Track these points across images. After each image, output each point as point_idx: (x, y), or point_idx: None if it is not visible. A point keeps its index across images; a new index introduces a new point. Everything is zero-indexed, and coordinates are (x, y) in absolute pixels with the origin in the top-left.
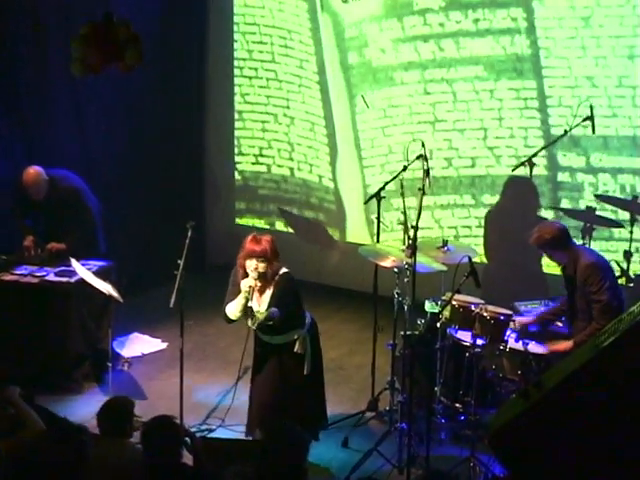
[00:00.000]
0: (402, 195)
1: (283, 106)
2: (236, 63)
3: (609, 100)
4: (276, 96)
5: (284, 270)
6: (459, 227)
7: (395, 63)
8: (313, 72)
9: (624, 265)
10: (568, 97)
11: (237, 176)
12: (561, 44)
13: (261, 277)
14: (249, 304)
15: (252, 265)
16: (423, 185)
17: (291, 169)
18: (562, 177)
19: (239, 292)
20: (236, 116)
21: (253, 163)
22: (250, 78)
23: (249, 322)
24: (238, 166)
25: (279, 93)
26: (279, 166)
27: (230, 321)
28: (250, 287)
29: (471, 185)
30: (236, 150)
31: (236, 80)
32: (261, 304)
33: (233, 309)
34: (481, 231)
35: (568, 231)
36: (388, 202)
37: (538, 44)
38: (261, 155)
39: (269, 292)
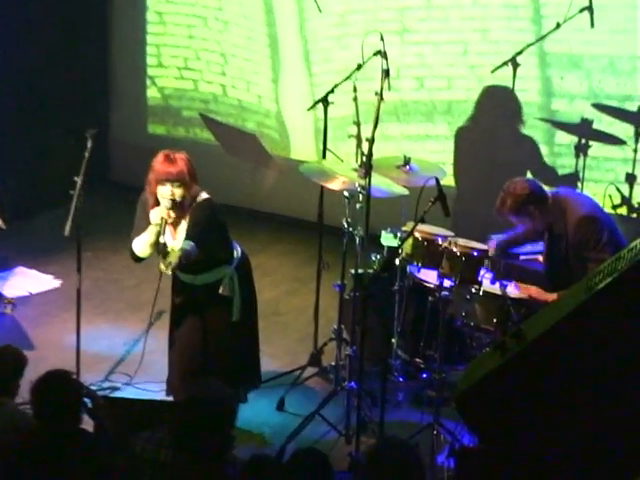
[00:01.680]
0: (355, 100)
1: (215, 7)
2: None
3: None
4: None
5: (204, 196)
6: None
7: None
8: None
9: (625, 190)
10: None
11: (156, 94)
12: None
13: (176, 206)
14: (161, 239)
15: (166, 192)
16: (381, 88)
17: (223, 87)
18: (558, 104)
19: (149, 225)
20: (154, 18)
21: (176, 78)
22: None
23: (161, 266)
24: (157, 81)
25: None
26: (208, 82)
27: (138, 260)
28: (162, 219)
29: (447, 112)
30: (154, 61)
31: None
32: (176, 238)
33: (142, 245)
34: None
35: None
36: (343, 130)
37: None
38: (186, 68)
39: (185, 222)
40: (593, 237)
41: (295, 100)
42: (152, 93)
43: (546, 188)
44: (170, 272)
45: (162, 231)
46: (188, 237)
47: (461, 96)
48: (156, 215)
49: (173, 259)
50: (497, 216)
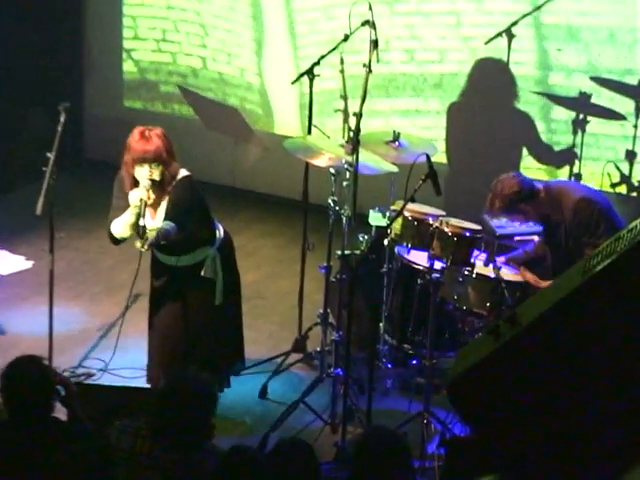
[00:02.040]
0: (342, 73)
1: None
2: None
3: None
4: None
5: (184, 173)
6: None
7: None
8: None
9: (625, 168)
10: None
11: (132, 67)
12: None
13: (155, 186)
14: (141, 222)
15: (144, 172)
16: (369, 60)
17: (203, 59)
18: (555, 78)
19: (127, 205)
20: None
21: (153, 51)
22: None
23: (137, 243)
24: (134, 54)
25: None
26: (187, 55)
27: (117, 242)
28: (142, 200)
29: (438, 86)
30: (130, 33)
31: None
32: (156, 219)
33: (120, 227)
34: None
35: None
36: (329, 105)
37: None
38: (164, 40)
39: (165, 203)
40: (591, 221)
41: (279, 73)
42: (128, 66)
43: (536, 181)
44: (145, 250)
45: (142, 213)
46: (168, 217)
47: (453, 69)
48: (135, 197)
49: (150, 237)
50: (487, 215)
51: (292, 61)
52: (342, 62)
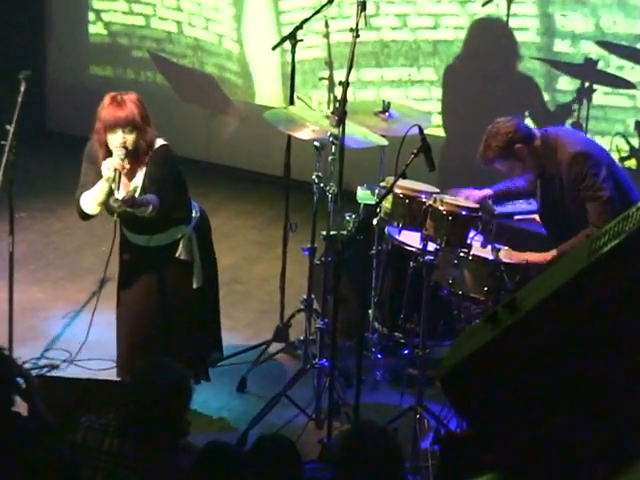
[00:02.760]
0: (327, 37)
1: None
2: None
3: None
4: None
5: (161, 142)
6: None
7: None
8: None
9: (635, 141)
10: None
11: (101, 30)
12: None
13: (130, 155)
14: (116, 194)
15: (117, 139)
16: (357, 24)
17: (179, 24)
18: (561, 46)
19: (98, 178)
20: None
21: (125, 13)
22: None
23: (112, 202)
24: (103, 16)
25: None
26: (162, 19)
27: (86, 217)
28: (116, 170)
29: (433, 54)
30: None
31: None
32: (131, 189)
33: (91, 201)
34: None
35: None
36: (314, 75)
37: None
38: (137, 2)
39: (141, 174)
40: (589, 173)
41: (260, 40)
42: (96, 30)
43: (534, 128)
44: (119, 209)
45: (116, 185)
46: (144, 190)
47: (449, 36)
48: (109, 166)
49: (126, 196)
50: (482, 164)
51: (274, 27)
52: (327, 26)
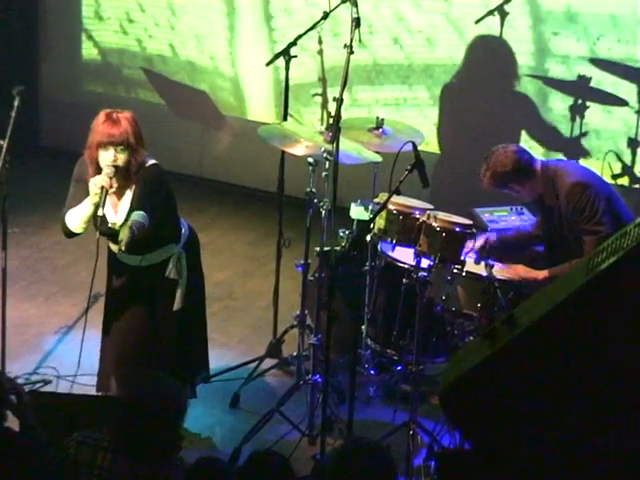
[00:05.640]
0: (320, 54)
1: None
2: None
3: None
4: None
5: (152, 162)
6: None
7: None
8: None
9: (627, 159)
10: None
11: (93, 51)
12: None
13: (120, 173)
14: (100, 212)
15: (108, 157)
16: (351, 40)
17: (171, 45)
18: (555, 69)
19: (85, 195)
20: None
21: (116, 32)
22: None
23: (114, 248)
24: (95, 35)
25: None
26: (154, 39)
27: (70, 234)
28: (103, 188)
29: (426, 74)
30: (91, 12)
31: None
32: (119, 212)
33: (76, 218)
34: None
35: (526, 150)
36: (307, 95)
37: None
38: (129, 21)
39: (130, 192)
40: (587, 206)
41: (253, 60)
42: (89, 50)
43: (536, 158)
44: (124, 251)
45: (102, 203)
46: (134, 209)
47: (442, 55)
48: (97, 183)
49: (124, 235)
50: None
51: (267, 46)
52: (320, 42)
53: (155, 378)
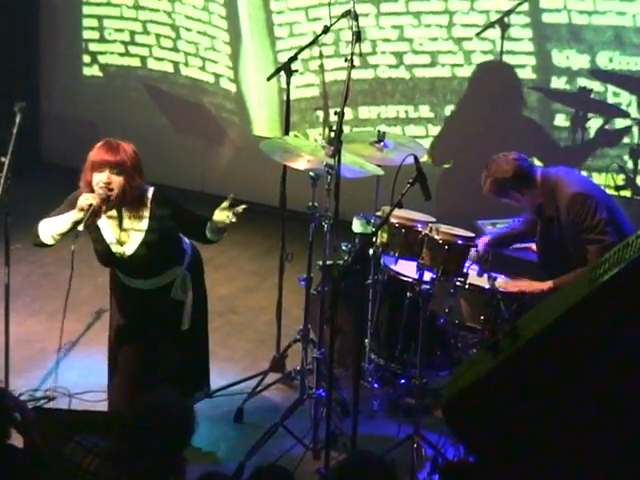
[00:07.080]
0: (321, 68)
1: None
2: None
3: None
4: None
5: (152, 189)
6: None
7: None
8: None
9: (630, 170)
10: None
11: (97, 72)
12: None
13: (115, 201)
14: (80, 227)
15: (102, 178)
16: (352, 53)
17: (175, 64)
18: (558, 83)
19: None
20: None
21: (121, 54)
22: None
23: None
24: (100, 58)
25: None
26: (158, 59)
27: (39, 243)
28: (91, 206)
29: (430, 91)
30: (94, 35)
31: None
32: (130, 239)
33: (50, 229)
34: None
35: (527, 159)
36: (310, 114)
37: None
38: (133, 43)
39: (140, 224)
40: (589, 216)
41: (258, 79)
42: (92, 71)
43: (537, 166)
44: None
45: (85, 220)
46: (150, 232)
47: (445, 74)
48: (87, 198)
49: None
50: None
51: (270, 64)
52: (321, 56)
53: (168, 396)
